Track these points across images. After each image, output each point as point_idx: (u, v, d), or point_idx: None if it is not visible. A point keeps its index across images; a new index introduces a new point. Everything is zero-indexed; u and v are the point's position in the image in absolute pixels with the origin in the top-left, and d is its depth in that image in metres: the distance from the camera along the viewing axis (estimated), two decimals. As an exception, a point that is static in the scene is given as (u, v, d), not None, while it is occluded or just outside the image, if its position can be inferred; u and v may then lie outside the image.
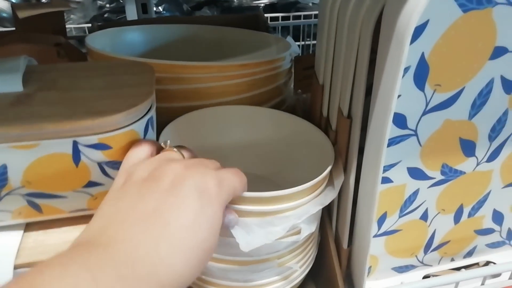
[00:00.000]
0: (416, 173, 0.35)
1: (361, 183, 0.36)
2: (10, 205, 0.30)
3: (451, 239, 0.42)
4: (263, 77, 0.44)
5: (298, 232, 0.34)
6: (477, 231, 0.43)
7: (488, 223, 0.42)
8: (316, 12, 0.94)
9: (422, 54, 0.29)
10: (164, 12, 0.83)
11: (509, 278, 0.42)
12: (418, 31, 0.27)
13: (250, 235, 0.31)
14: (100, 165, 0.30)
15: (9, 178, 0.29)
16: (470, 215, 0.41)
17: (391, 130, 0.32)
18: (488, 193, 0.39)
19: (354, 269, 0.42)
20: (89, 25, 0.83)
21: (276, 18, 0.90)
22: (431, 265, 0.44)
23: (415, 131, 0.33)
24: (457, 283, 0.39)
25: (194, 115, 0.41)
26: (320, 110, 0.41)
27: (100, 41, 0.49)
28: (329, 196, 0.34)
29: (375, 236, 0.39)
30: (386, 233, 0.39)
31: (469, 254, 0.45)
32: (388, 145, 0.33)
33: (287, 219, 0.32)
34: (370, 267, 0.42)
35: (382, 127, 0.30)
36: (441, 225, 0.41)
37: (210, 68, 0.41)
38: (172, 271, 0.21)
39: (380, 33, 0.28)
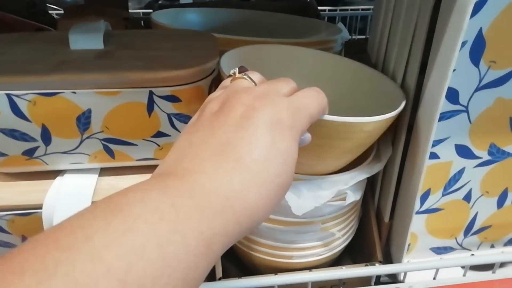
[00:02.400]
0: (463, 151, 0.37)
1: (408, 157, 0.37)
2: (88, 149, 0.34)
3: (492, 224, 0.43)
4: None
5: (344, 199, 0.36)
6: (521, 216, 0.43)
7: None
8: (363, 6, 0.95)
9: (480, 30, 0.30)
10: None
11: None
12: (479, 5, 0.29)
13: (300, 199, 0.33)
14: (169, 116, 0.33)
15: (91, 122, 0.32)
16: (514, 200, 0.41)
17: (443, 105, 0.33)
18: (534, 179, 0.40)
19: (393, 244, 0.43)
20: (145, 10, 0.87)
21: (323, 11, 0.92)
22: (470, 249, 0.45)
23: (466, 107, 0.34)
24: (497, 264, 0.40)
25: (258, 48, 0.41)
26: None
27: (163, 18, 0.52)
28: (376, 167, 0.36)
29: (417, 213, 0.40)
30: (428, 211, 0.40)
31: (510, 242, 0.45)
32: (439, 120, 0.34)
33: (335, 183, 0.34)
34: (409, 245, 0.43)
35: (436, 100, 0.31)
36: (483, 208, 0.41)
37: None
38: (247, 205, 0.21)
39: (441, 6, 0.30)
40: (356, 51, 0.57)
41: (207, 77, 0.33)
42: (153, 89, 0.31)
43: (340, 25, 0.60)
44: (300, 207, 0.33)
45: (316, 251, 0.39)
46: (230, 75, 0.27)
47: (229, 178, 0.21)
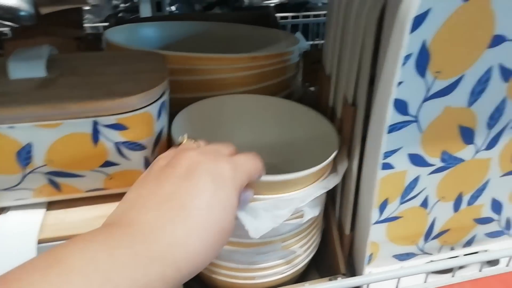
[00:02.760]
0: (416, 160, 0.37)
1: (363, 169, 0.37)
2: (32, 184, 0.32)
3: (451, 228, 0.44)
4: (272, 69, 0.46)
5: (302, 216, 0.35)
6: (476, 220, 0.44)
7: (487, 212, 0.43)
8: (325, 12, 0.95)
9: (424, 42, 0.30)
10: (177, 11, 0.85)
11: (507, 265, 0.43)
12: (420, 19, 0.29)
13: (258, 220, 0.32)
14: (116, 145, 0.32)
15: (33, 157, 0.30)
16: (469, 203, 0.42)
17: (392, 116, 0.34)
18: (487, 182, 0.41)
19: (355, 255, 0.43)
20: (105, 24, 0.85)
21: (286, 18, 0.92)
22: (431, 254, 0.46)
23: (416, 117, 0.34)
24: (456, 268, 0.41)
25: (205, 104, 0.43)
26: (326, 100, 0.43)
27: (118, 36, 0.51)
28: (333, 181, 0.36)
29: (377, 222, 0.41)
30: (387, 220, 0.41)
31: (469, 243, 0.46)
32: (390, 131, 0.34)
33: (291, 201, 0.33)
34: (371, 254, 0.43)
35: (383, 113, 0.31)
36: (441, 213, 0.42)
37: (222, 60, 0.43)
38: (188, 250, 0.22)
39: (384, 22, 0.30)
40: (313, 61, 0.58)
41: (155, 102, 0.32)
42: (97, 119, 0.30)
43: (299, 34, 0.61)
44: (257, 230, 0.32)
45: (278, 269, 0.39)
46: (179, 143, 0.30)
47: (172, 226, 0.22)
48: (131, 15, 0.85)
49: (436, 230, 0.43)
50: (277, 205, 0.33)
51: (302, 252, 0.39)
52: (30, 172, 0.31)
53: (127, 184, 0.32)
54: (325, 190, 0.35)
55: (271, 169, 0.45)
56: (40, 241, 0.31)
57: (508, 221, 0.45)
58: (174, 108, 0.39)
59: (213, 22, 0.59)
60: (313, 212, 0.35)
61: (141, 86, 0.31)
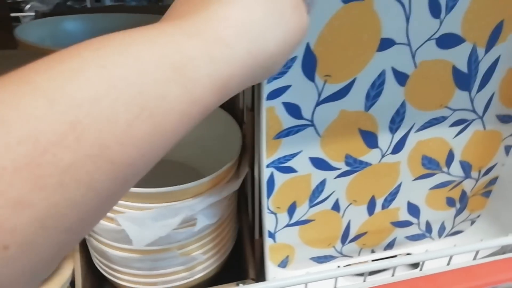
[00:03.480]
0: (319, 163, 0.36)
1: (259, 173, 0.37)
2: None
3: (368, 231, 0.43)
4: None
5: (195, 224, 0.34)
6: (394, 223, 0.44)
7: (404, 215, 0.43)
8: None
9: (308, 45, 0.29)
10: (134, 2, 0.83)
11: (420, 270, 0.43)
12: (299, 21, 0.28)
13: (143, 229, 0.31)
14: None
15: None
16: (384, 206, 0.42)
17: (287, 120, 0.33)
18: (399, 185, 0.40)
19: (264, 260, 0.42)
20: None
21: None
22: (351, 256, 0.45)
23: (312, 121, 0.33)
24: (366, 273, 0.40)
25: None
26: (239, 103, 0.42)
27: (38, 31, 0.49)
28: (228, 188, 0.35)
29: (288, 225, 0.40)
30: (298, 223, 0.40)
31: (390, 246, 0.46)
32: (287, 135, 0.34)
33: (180, 210, 0.32)
34: (287, 257, 0.43)
35: (260, 117, 0.31)
36: (355, 216, 0.41)
37: None
38: (243, 22, 0.17)
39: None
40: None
41: None
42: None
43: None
44: (142, 239, 0.31)
45: (181, 275, 0.38)
46: None
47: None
48: (80, 4, 0.83)
49: (352, 233, 0.43)
50: (165, 214, 0.32)
51: (206, 259, 0.38)
52: None
53: None
54: (220, 197, 0.34)
55: (178, 167, 0.45)
56: None
57: (428, 224, 0.45)
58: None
59: (145, 14, 0.58)
60: (208, 220, 0.34)
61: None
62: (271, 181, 0.36)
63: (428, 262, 0.45)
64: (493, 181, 0.44)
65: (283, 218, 0.39)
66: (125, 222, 0.31)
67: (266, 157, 0.35)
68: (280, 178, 0.36)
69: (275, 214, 0.39)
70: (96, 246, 0.37)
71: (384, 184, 0.40)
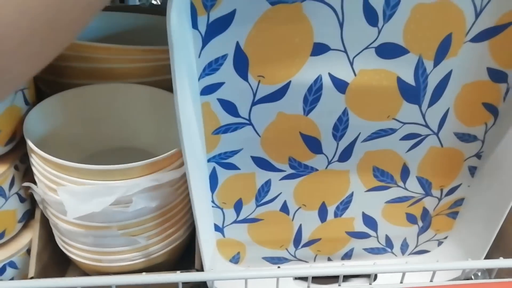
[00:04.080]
0: (262, 163, 0.37)
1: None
2: None
3: (321, 237, 0.43)
4: (167, 64, 0.47)
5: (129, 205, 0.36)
6: (350, 233, 0.43)
7: (360, 226, 0.42)
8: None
9: (238, 44, 0.30)
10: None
11: (370, 284, 0.42)
12: (227, 19, 0.29)
13: (79, 203, 0.34)
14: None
15: None
16: (336, 215, 0.41)
17: (224, 117, 0.34)
18: (351, 195, 0.40)
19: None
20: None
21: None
22: (307, 261, 0.45)
23: (249, 120, 0.34)
24: (309, 279, 0.40)
25: (73, 92, 0.44)
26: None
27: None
28: (169, 175, 0.36)
29: (235, 222, 0.41)
30: (247, 220, 0.41)
31: (347, 256, 0.45)
32: (225, 132, 0.35)
33: (117, 189, 0.34)
34: (238, 253, 0.44)
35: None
36: (306, 221, 0.41)
37: (111, 50, 0.44)
38: None
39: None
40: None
41: None
42: None
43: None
44: (76, 211, 0.33)
45: (125, 256, 0.39)
46: None
47: None
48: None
49: (305, 238, 0.43)
50: (101, 192, 0.34)
51: (150, 244, 0.39)
52: None
53: None
54: (156, 183, 0.36)
55: (139, 154, 0.47)
56: None
57: (388, 239, 0.44)
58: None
59: (139, 13, 0.60)
60: (144, 203, 0.36)
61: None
62: (213, 176, 0.37)
63: (382, 279, 0.44)
64: (459, 202, 0.42)
65: (230, 214, 0.40)
66: (63, 194, 0.34)
67: (206, 151, 0.36)
68: (223, 174, 0.37)
69: (221, 209, 0.40)
70: (51, 219, 0.40)
71: (334, 192, 0.40)
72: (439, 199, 0.41)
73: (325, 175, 0.38)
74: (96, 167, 0.34)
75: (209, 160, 0.36)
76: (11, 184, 0.39)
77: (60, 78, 0.45)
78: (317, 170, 0.38)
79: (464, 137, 0.37)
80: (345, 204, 0.40)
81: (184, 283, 0.36)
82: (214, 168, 0.37)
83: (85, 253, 0.40)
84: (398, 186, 0.39)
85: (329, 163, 0.37)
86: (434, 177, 0.39)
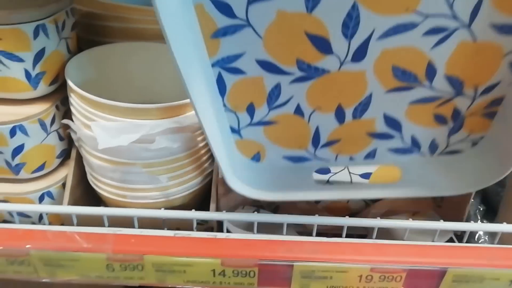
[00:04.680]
0: (268, 67, 0.35)
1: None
2: None
3: (341, 138, 0.42)
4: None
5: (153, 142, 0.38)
6: (371, 134, 0.41)
7: (382, 127, 0.40)
8: None
9: None
10: None
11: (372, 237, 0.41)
12: None
13: (109, 136, 0.36)
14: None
15: None
16: (355, 116, 0.39)
17: (220, 19, 0.32)
18: (370, 96, 0.37)
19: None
20: None
21: None
22: (327, 160, 0.45)
23: (248, 21, 0.31)
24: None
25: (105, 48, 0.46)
26: None
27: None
28: (188, 119, 0.38)
29: (251, 125, 0.40)
30: (261, 123, 0.40)
31: (370, 156, 0.44)
32: (224, 35, 0.32)
33: (141, 127, 0.37)
34: (258, 153, 0.44)
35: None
36: (322, 122, 0.40)
37: (144, 11, 0.47)
38: None
39: None
40: None
41: (29, 23, 0.36)
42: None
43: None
44: (105, 142, 0.36)
45: (148, 194, 0.42)
46: None
47: None
48: None
49: (323, 139, 0.42)
50: (128, 128, 0.36)
51: (171, 185, 0.42)
52: None
53: (9, 90, 0.39)
54: (177, 125, 0.38)
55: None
56: None
57: (414, 139, 0.42)
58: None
59: None
60: (165, 143, 0.37)
61: (16, 3, 0.35)
62: (221, 81, 0.36)
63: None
64: (497, 101, 0.37)
65: (244, 117, 0.40)
66: (96, 128, 0.37)
67: (208, 56, 0.34)
68: (229, 79, 0.36)
69: (234, 112, 0.39)
70: (84, 156, 0.43)
71: (350, 94, 0.37)
72: (473, 99, 0.37)
73: (339, 76, 0.35)
74: (124, 104, 0.37)
75: (213, 65, 0.35)
76: (52, 121, 0.42)
77: (98, 37, 0.49)
78: (329, 71, 0.35)
79: (504, 29, 0.31)
80: (364, 106, 0.38)
81: (198, 224, 0.39)
82: (220, 73, 0.36)
83: (112, 189, 0.43)
84: (423, 86, 0.36)
85: (342, 64, 0.34)
86: (466, 75, 0.35)
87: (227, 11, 0.31)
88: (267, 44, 0.33)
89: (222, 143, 0.39)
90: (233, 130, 0.41)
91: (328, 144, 0.42)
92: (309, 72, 0.35)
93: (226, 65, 0.35)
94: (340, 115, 0.39)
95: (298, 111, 0.39)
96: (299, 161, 0.45)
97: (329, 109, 0.39)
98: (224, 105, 0.39)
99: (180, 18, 0.29)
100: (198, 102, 0.33)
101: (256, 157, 0.45)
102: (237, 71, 0.35)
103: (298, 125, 0.40)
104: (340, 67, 0.34)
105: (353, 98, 0.37)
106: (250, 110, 0.39)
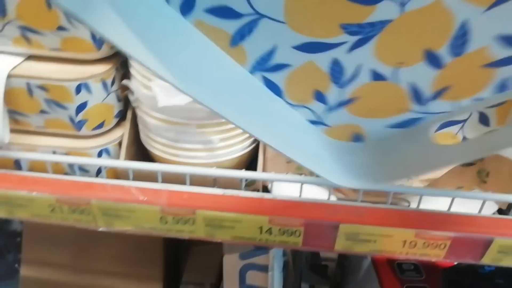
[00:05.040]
0: (310, 48, 0.26)
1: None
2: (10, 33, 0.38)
3: (450, 83, 0.29)
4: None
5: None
6: (490, 64, 0.27)
7: (500, 52, 0.26)
8: None
9: None
10: None
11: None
12: None
13: (168, 95, 0.37)
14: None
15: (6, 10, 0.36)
16: (456, 54, 0.27)
17: (227, 25, 0.24)
18: (464, 25, 0.25)
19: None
20: None
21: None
22: (448, 112, 0.32)
23: (257, 13, 0.23)
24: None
25: None
26: None
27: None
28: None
29: (329, 110, 0.31)
30: (343, 103, 0.31)
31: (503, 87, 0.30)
32: (242, 38, 0.25)
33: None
34: (356, 133, 0.34)
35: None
36: (415, 76, 0.28)
37: None
38: None
39: None
40: None
41: None
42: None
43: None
44: (165, 100, 0.37)
45: (198, 154, 0.41)
46: None
47: None
48: None
49: (428, 92, 0.30)
50: None
51: (222, 146, 0.40)
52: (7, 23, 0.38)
53: (76, 49, 0.39)
54: None
55: None
56: (10, 75, 0.39)
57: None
58: None
59: None
60: None
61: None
62: (270, 84, 0.29)
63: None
64: None
65: (317, 106, 0.31)
66: (156, 87, 0.38)
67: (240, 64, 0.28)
68: (277, 78, 0.28)
69: (304, 106, 0.31)
70: (141, 117, 0.43)
71: (433, 34, 0.25)
72: None
73: (406, 20, 0.24)
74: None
75: (251, 72, 0.28)
76: (113, 82, 0.42)
77: None
78: (390, 21, 0.24)
79: None
80: (461, 38, 0.25)
81: (246, 185, 0.39)
82: (264, 77, 0.29)
83: (166, 148, 0.42)
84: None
85: (403, 4, 0.23)
86: None
87: (229, 13, 0.24)
88: (294, 25, 0.24)
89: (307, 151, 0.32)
90: (313, 122, 0.33)
91: (438, 94, 0.30)
92: (363, 32, 0.25)
93: (264, 66, 0.28)
94: (433, 60, 0.27)
95: (377, 76, 0.29)
96: (409, 124, 0.33)
97: (415, 60, 0.27)
98: (289, 103, 0.31)
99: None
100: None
101: (356, 138, 0.35)
102: (280, 67, 0.28)
103: (386, 90, 0.30)
104: (402, 10, 0.23)
105: (441, 37, 0.26)
106: (320, 97, 0.30)
